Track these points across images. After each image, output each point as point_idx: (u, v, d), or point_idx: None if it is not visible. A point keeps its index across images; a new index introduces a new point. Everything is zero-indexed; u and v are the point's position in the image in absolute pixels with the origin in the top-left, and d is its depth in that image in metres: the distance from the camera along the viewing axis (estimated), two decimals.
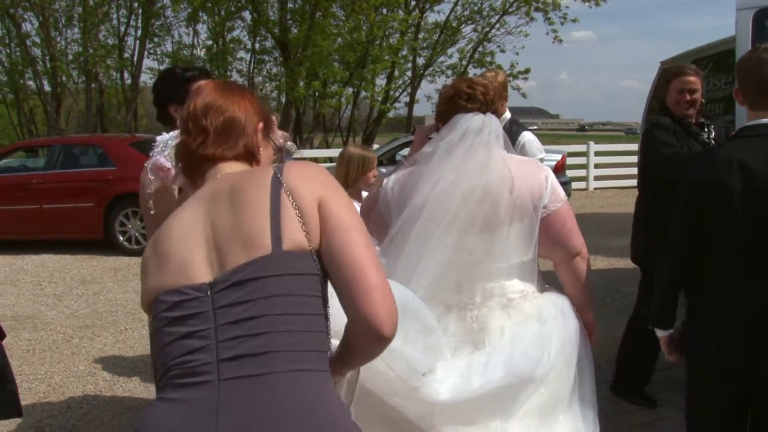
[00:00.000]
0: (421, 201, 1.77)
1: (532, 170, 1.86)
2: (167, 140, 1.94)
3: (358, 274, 1.17)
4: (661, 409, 3.41)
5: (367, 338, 1.18)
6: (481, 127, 1.83)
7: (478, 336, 1.74)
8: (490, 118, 1.87)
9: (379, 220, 1.89)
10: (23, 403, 3.67)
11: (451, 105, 1.91)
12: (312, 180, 1.24)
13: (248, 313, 1.13)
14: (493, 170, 1.78)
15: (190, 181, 1.40)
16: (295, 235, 1.18)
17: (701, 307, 1.98)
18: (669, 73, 3.42)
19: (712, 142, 3.26)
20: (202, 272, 1.19)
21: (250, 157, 1.38)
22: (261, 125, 1.41)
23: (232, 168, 1.34)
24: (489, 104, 1.90)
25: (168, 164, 1.91)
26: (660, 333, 2.06)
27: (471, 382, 1.61)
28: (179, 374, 1.14)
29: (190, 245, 1.22)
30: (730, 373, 1.91)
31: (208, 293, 1.16)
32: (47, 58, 18.44)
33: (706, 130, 3.31)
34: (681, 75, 3.27)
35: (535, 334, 1.74)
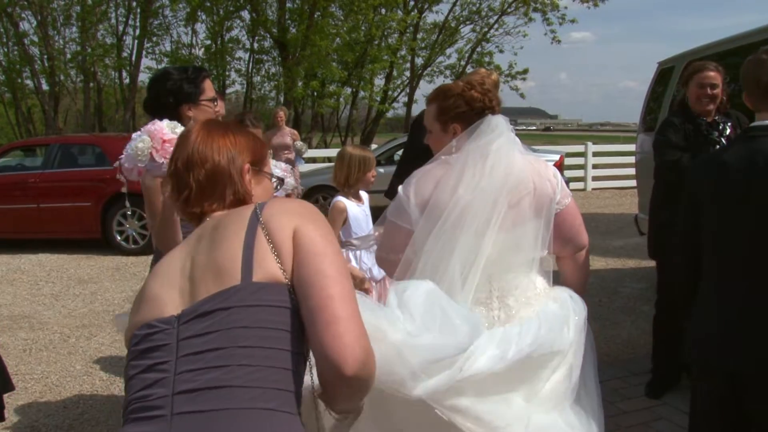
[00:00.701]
0: (459, 203, 1.76)
1: (543, 167, 1.90)
2: (133, 141, 1.99)
3: (323, 303, 1.10)
4: (658, 409, 3.41)
5: (330, 376, 1.09)
6: (506, 129, 1.86)
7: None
8: (506, 119, 1.90)
9: (395, 223, 1.87)
10: (19, 403, 3.69)
11: (477, 108, 1.90)
12: (290, 213, 1.21)
13: (210, 345, 1.09)
14: (522, 170, 1.82)
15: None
16: (267, 266, 1.14)
17: (696, 306, 2.01)
18: (689, 70, 3.43)
19: (723, 141, 3.26)
20: (173, 305, 1.17)
21: (241, 203, 1.32)
22: (248, 166, 1.35)
23: (220, 215, 1.32)
24: (498, 106, 1.94)
25: (128, 165, 1.97)
26: None
27: (506, 352, 1.62)
28: (136, 408, 1.11)
29: (168, 282, 1.21)
30: (712, 370, 1.95)
31: (175, 325, 1.13)
32: (45, 57, 18.39)
33: (720, 128, 3.31)
34: (701, 71, 3.31)
35: (555, 314, 1.78)
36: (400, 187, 1.91)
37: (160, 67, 19.30)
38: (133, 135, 2.02)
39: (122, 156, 1.99)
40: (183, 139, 1.36)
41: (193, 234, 1.30)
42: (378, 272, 3.19)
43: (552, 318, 1.76)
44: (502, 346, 1.62)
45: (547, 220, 1.84)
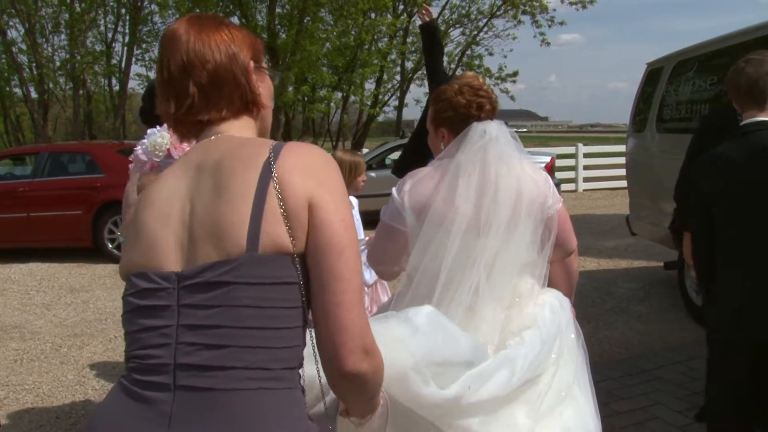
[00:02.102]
0: (450, 210, 1.77)
1: (535, 172, 1.91)
2: (150, 135, 1.99)
3: (332, 311, 1.03)
4: (651, 408, 3.42)
5: (333, 375, 1.06)
6: (498, 135, 1.85)
7: (502, 336, 1.77)
8: (502, 124, 1.89)
9: (388, 228, 1.88)
10: (11, 412, 3.66)
11: (464, 112, 1.90)
12: (309, 174, 1.06)
13: (211, 321, 1.01)
14: (516, 175, 1.82)
15: (185, 139, 1.24)
16: (275, 236, 1.02)
17: (717, 287, 2.31)
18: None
19: None
20: (171, 258, 1.06)
21: (250, 107, 1.18)
22: (252, 64, 1.18)
23: (231, 128, 1.17)
24: (495, 111, 1.93)
25: (144, 157, 1.95)
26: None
27: (512, 376, 1.62)
28: (137, 368, 1.06)
29: (165, 222, 1.08)
30: (741, 344, 2.25)
31: (175, 285, 1.04)
32: (34, 65, 18.32)
33: None
34: None
35: (550, 324, 1.79)
36: (393, 189, 1.92)
37: (150, 74, 19.28)
38: (150, 131, 2.02)
39: (137, 148, 1.98)
40: (169, 38, 1.15)
41: (194, 153, 1.14)
42: (370, 277, 3.19)
43: (548, 330, 1.77)
44: (509, 369, 1.63)
45: (540, 225, 1.85)
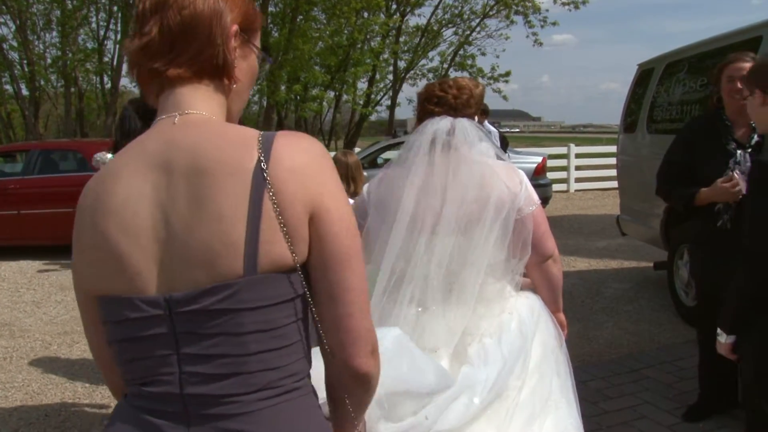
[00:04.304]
0: (396, 205, 1.78)
1: (506, 173, 1.87)
2: None
3: (340, 323, 0.97)
4: (639, 408, 3.43)
5: (346, 377, 1.02)
6: (449, 130, 1.83)
7: (462, 339, 1.76)
8: (460, 121, 1.86)
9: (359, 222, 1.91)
10: (0, 409, 3.64)
11: (423, 108, 1.93)
12: (307, 178, 0.94)
13: (215, 350, 0.92)
14: (467, 173, 1.80)
15: (145, 93, 1.06)
16: (275, 255, 0.91)
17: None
18: (721, 63, 3.00)
19: (738, 151, 2.80)
20: (149, 279, 0.93)
21: (219, 73, 1.01)
22: (236, 28, 1.01)
23: (194, 94, 1.00)
24: (459, 108, 1.89)
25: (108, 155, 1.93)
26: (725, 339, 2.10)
27: (472, 401, 1.61)
28: (141, 395, 0.97)
29: (132, 236, 0.93)
30: None
31: (167, 312, 0.92)
32: (25, 62, 18.22)
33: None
34: (733, 62, 2.90)
35: (512, 332, 1.77)
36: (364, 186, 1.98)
37: None
38: None
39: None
40: None
41: (153, 147, 0.96)
42: None
43: (511, 344, 1.75)
44: (467, 396, 1.61)
45: (505, 225, 1.81)
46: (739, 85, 2.77)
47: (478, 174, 1.80)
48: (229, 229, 0.90)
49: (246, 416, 0.93)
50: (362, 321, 0.99)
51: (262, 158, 0.92)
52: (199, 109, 0.99)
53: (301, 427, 0.97)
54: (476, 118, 1.96)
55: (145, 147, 0.97)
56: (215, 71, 1.00)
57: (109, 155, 7.14)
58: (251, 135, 0.96)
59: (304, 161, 0.95)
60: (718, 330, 2.08)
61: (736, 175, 2.08)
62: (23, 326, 5.31)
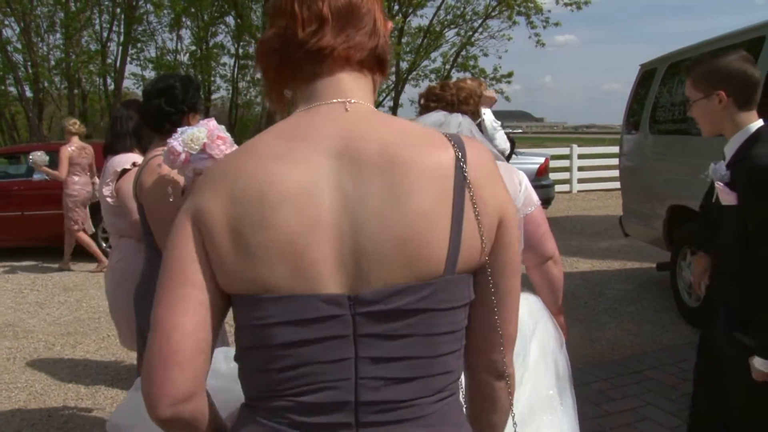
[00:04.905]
0: None
1: (506, 172, 1.88)
2: (187, 129, 1.97)
3: (504, 326, 0.98)
4: (642, 409, 3.44)
5: (490, 377, 1.03)
6: (441, 123, 1.83)
7: None
8: (455, 116, 1.86)
9: None
10: (4, 410, 3.66)
11: (422, 106, 1.97)
12: (497, 183, 0.93)
13: (403, 352, 0.87)
14: None
15: (276, 95, 0.99)
16: (470, 257, 0.90)
17: None
18: None
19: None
20: (332, 276, 0.86)
21: (379, 66, 0.98)
22: (391, 25, 1.01)
23: (355, 84, 0.94)
24: (457, 104, 1.92)
25: (179, 148, 1.92)
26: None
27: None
28: (296, 408, 0.88)
29: (313, 226, 0.85)
30: None
31: (350, 312, 0.86)
32: (29, 63, 18.31)
33: None
34: None
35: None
36: None
37: (145, 73, 19.31)
38: (180, 129, 2.03)
39: (171, 140, 1.97)
40: None
41: (326, 132, 0.89)
42: None
43: None
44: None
45: None
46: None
47: None
48: (433, 226, 0.86)
49: (422, 419, 0.89)
50: (515, 326, 1.00)
51: (461, 159, 0.89)
52: (360, 99, 0.94)
53: (461, 427, 0.96)
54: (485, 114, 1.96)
55: (315, 131, 0.90)
56: (376, 63, 0.97)
57: (47, 156, 7.18)
58: (437, 133, 0.93)
59: (492, 169, 0.93)
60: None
61: (718, 185, 1.99)
62: (27, 327, 5.34)
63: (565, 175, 14.11)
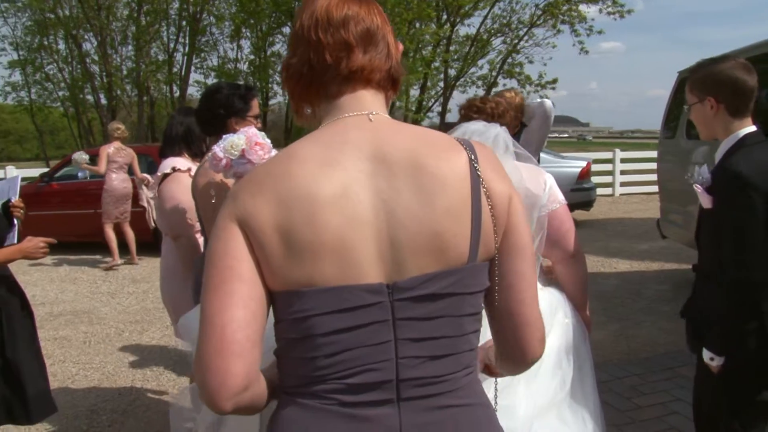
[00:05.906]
0: None
1: (532, 173, 1.98)
2: (229, 136, 2.11)
3: (517, 309, 1.04)
4: (671, 404, 3.49)
5: (517, 363, 1.10)
6: (483, 132, 1.95)
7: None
8: (494, 126, 1.98)
9: None
10: (81, 387, 4.03)
11: (463, 116, 2.11)
12: (503, 174, 1.03)
13: (436, 332, 0.96)
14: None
15: (301, 111, 1.08)
16: (488, 245, 1.00)
17: None
18: None
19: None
20: (372, 267, 0.94)
21: (393, 85, 1.08)
22: (402, 47, 1.11)
23: (374, 99, 1.04)
24: (496, 116, 2.06)
25: (221, 154, 2.06)
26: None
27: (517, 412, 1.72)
28: (344, 389, 0.95)
29: (356, 224, 0.93)
30: None
31: (388, 299, 0.94)
32: (104, 74, 19.24)
33: None
34: None
35: None
36: None
37: (208, 81, 20.01)
38: (224, 136, 2.16)
39: (215, 147, 2.11)
40: (308, 1, 1.05)
41: (357, 137, 0.98)
42: None
43: None
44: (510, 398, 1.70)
45: (529, 221, 1.88)
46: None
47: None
48: (459, 221, 0.96)
49: (454, 392, 0.99)
50: (534, 308, 1.05)
51: (474, 161, 0.99)
52: (381, 112, 1.04)
53: (485, 398, 1.07)
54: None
55: (347, 137, 0.98)
56: (390, 83, 1.06)
57: (87, 156, 7.62)
58: (451, 138, 1.03)
59: (497, 162, 1.04)
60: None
61: (696, 188, 1.95)
62: (100, 314, 5.75)
63: (608, 179, 13.91)
